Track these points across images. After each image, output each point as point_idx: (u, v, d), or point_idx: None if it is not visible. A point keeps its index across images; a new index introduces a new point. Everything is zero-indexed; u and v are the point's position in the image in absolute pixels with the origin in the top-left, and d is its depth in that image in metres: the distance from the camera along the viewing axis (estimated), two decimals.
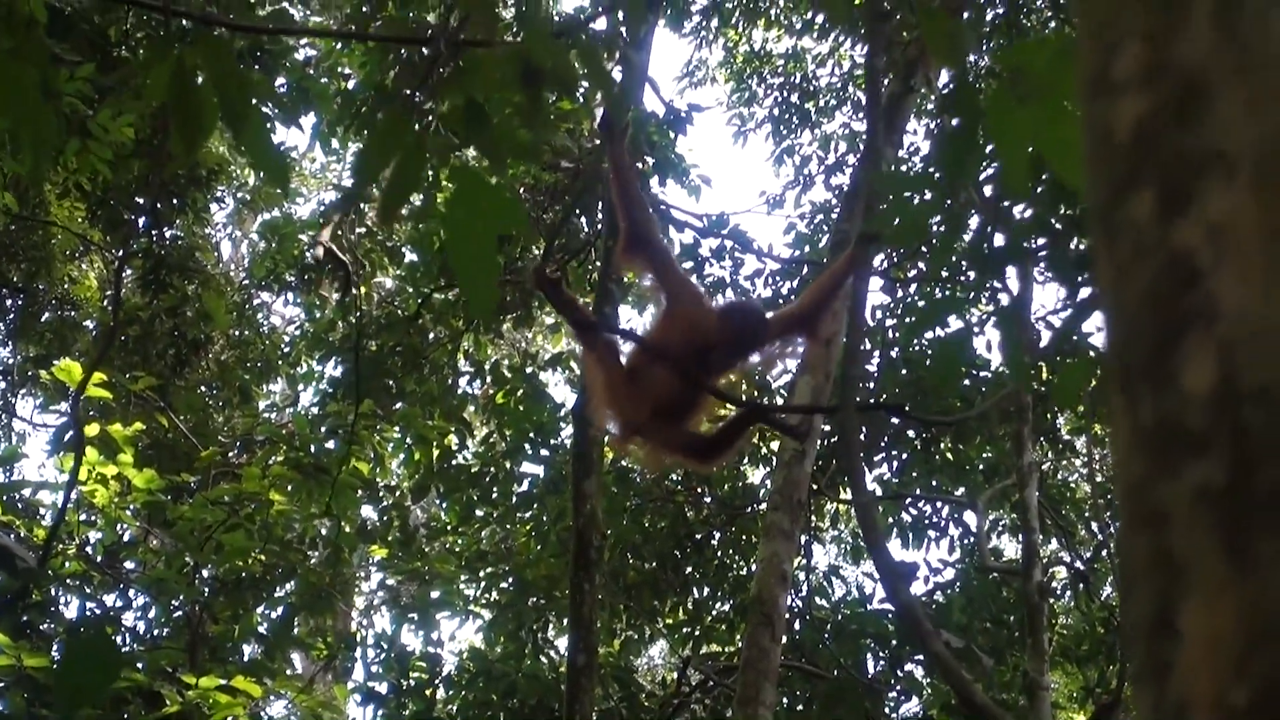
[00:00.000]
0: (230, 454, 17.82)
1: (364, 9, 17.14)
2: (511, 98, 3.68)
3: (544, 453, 16.99)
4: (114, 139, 12.85)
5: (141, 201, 17.73)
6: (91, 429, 12.95)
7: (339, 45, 18.01)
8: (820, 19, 19.05)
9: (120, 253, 16.31)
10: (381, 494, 16.88)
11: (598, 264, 14.62)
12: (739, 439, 7.17)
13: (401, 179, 3.59)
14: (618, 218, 7.20)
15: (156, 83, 3.87)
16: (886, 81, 15.88)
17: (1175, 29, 1.28)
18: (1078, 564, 17.52)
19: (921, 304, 17.95)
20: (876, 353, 17.40)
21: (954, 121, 3.60)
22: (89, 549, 13.38)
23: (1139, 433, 1.23)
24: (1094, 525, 18.01)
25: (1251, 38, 1.27)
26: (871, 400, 16.39)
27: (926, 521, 17.51)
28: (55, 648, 11.14)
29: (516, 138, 3.89)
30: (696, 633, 16.82)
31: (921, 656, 15.29)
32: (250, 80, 3.87)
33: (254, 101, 3.93)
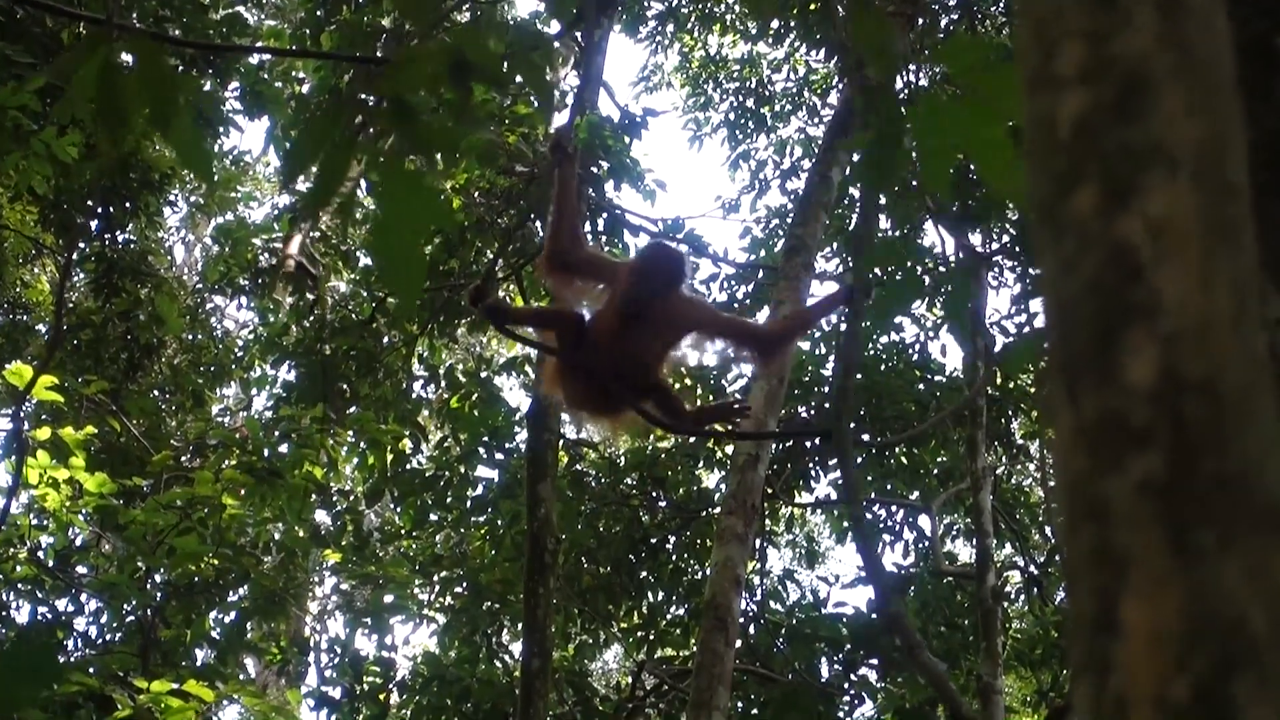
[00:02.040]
0: (183, 458, 17.75)
1: (319, 13, 17.11)
2: (441, 95, 3.68)
3: (499, 457, 16.97)
4: (58, 155, 12.84)
5: (93, 205, 17.66)
6: (43, 433, 12.89)
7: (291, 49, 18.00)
8: (775, 24, 19.05)
9: (68, 255, 16.26)
10: (335, 498, 16.83)
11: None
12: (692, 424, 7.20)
13: (326, 174, 3.58)
14: (545, 237, 7.20)
15: (84, 78, 3.86)
16: (841, 87, 15.90)
17: (1116, 26, 1.29)
18: (1031, 568, 17.60)
19: (881, 294, 18.05)
20: (831, 358, 17.44)
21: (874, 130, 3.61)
22: (40, 553, 13.31)
23: (1081, 427, 1.23)
24: (1048, 529, 18.09)
25: (1192, 35, 1.28)
26: (820, 405, 16.46)
27: (881, 525, 17.55)
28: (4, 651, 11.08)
29: (447, 135, 3.88)
30: (651, 637, 16.81)
31: (875, 661, 15.33)
32: (176, 77, 3.86)
33: (180, 99, 3.92)
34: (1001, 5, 16.69)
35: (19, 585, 12.44)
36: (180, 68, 16.26)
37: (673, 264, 6.73)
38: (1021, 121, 2.99)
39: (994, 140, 3.07)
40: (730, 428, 8.57)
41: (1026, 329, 16.42)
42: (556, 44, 17.52)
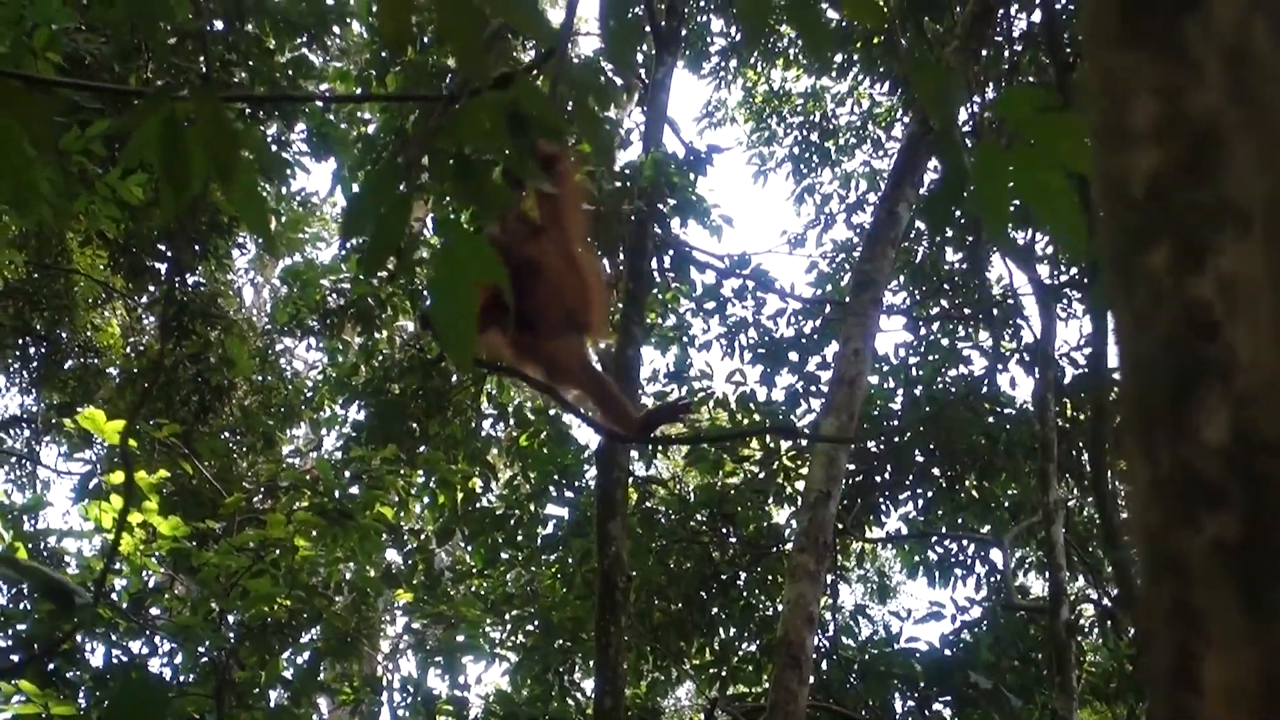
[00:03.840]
0: (255, 499, 17.83)
1: (384, 54, 17.20)
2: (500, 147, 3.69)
3: (568, 495, 16.98)
4: (123, 197, 12.94)
5: (164, 249, 17.79)
6: (116, 477, 12.97)
7: (359, 91, 18.09)
8: (840, 58, 19.04)
9: (166, 308, 16.37)
10: (406, 538, 16.86)
11: (619, 305, 14.62)
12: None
13: (384, 232, 3.60)
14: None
15: (146, 135, 3.89)
16: (906, 121, 15.89)
17: (1188, 82, 1.29)
18: (1105, 601, 17.44)
19: (945, 342, 18.02)
20: (900, 391, 17.42)
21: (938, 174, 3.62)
22: (115, 596, 13.39)
23: (1157, 482, 1.23)
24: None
25: (1261, 92, 1.28)
26: (890, 439, 16.46)
27: (952, 560, 17.49)
28: (82, 695, 11.15)
29: (504, 192, 3.90)
30: (723, 674, 16.76)
31: (949, 697, 15.24)
32: (237, 133, 3.89)
33: (242, 153, 3.94)
34: (1066, 37, 16.64)
35: (94, 628, 12.50)
36: (247, 111, 16.39)
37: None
38: (1079, 167, 2.98)
39: (1053, 187, 3.07)
40: (679, 425, 8.41)
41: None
42: (619, 81, 17.56)
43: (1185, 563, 1.19)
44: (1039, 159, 3.05)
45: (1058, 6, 15.19)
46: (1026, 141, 3.08)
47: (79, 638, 11.73)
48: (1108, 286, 1.34)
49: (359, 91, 18.16)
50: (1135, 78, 1.33)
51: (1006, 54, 16.26)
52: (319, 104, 18.38)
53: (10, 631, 10.53)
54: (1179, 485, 1.21)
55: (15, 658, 10.49)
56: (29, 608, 11.31)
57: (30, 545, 13.69)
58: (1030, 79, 15.99)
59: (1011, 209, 3.27)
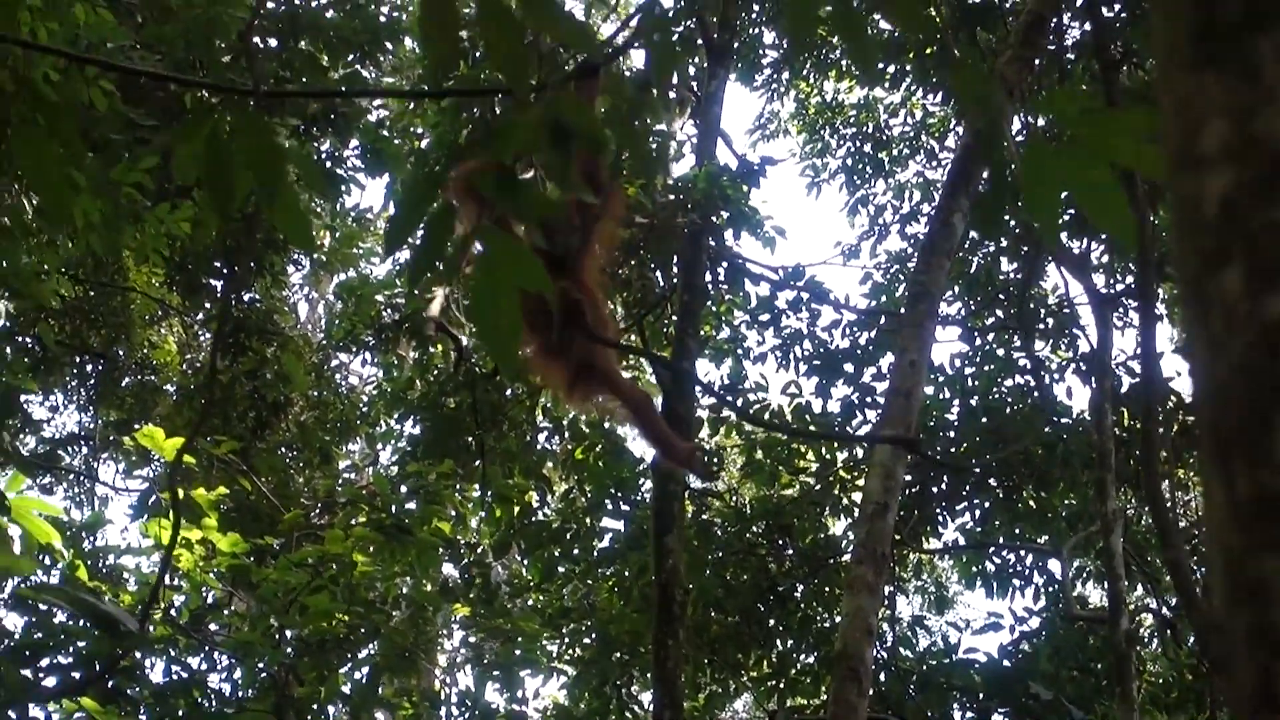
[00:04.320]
0: (312, 515, 17.90)
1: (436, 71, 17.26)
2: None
3: (625, 508, 16.99)
4: (172, 230, 13.04)
5: (219, 266, 17.88)
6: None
7: (411, 106, 18.15)
8: (892, 69, 19.01)
9: (201, 316, 16.46)
10: (463, 552, 16.90)
11: (674, 318, 14.64)
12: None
13: (429, 243, 3.61)
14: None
15: (189, 153, 3.92)
16: (959, 131, 15.84)
17: (1260, 103, 1.29)
18: (1165, 610, 17.35)
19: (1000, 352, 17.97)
20: (956, 401, 17.38)
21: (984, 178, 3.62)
22: (174, 613, 13.45)
23: (1234, 505, 1.23)
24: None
25: None
26: (947, 449, 16.42)
27: (1010, 571, 17.45)
28: (142, 713, 11.19)
29: (548, 201, 3.91)
30: (781, 686, 16.75)
31: (1009, 708, 15.19)
32: (281, 149, 3.91)
33: (287, 170, 3.97)
34: (1120, 44, 16.59)
35: (155, 645, 12.55)
36: (301, 127, 16.47)
37: None
38: (1128, 163, 2.98)
39: (1101, 183, 3.06)
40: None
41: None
42: (671, 94, 17.58)
43: (1265, 586, 1.19)
44: (1086, 156, 3.04)
45: (1108, 14, 15.15)
46: (1073, 140, 3.07)
47: (138, 655, 11.77)
48: (1181, 309, 1.34)
49: (410, 108, 18.23)
50: (1206, 99, 1.32)
51: (1060, 63, 16.21)
52: (372, 119, 18.44)
53: (71, 649, 10.57)
54: (1257, 508, 1.20)
55: (76, 675, 10.53)
56: (89, 625, 11.37)
57: (90, 563, 13.77)
58: (1084, 87, 15.92)
59: (1066, 217, 3.27)
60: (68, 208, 4.08)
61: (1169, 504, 17.60)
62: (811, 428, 17.30)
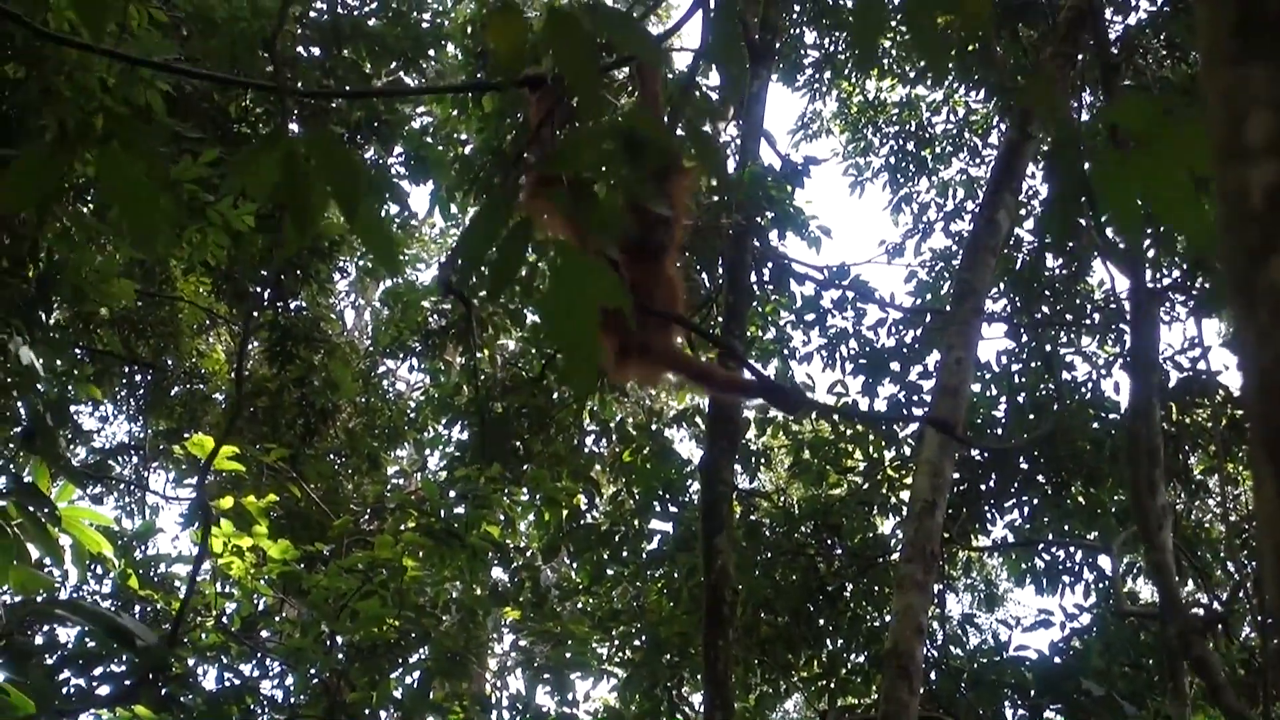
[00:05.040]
0: (362, 521, 17.95)
1: (479, 75, 17.31)
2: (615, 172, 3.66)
3: (673, 509, 16.97)
4: (234, 224, 13.04)
5: (266, 274, 17.95)
6: (226, 502, 13.10)
7: (455, 112, 18.17)
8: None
9: (245, 324, 16.52)
10: (512, 556, 16.92)
11: (719, 319, 14.64)
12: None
13: (505, 259, 3.59)
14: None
15: (264, 173, 3.91)
16: (1003, 127, 15.81)
17: None
18: (1216, 605, 17.27)
19: (1047, 349, 17.91)
20: (1003, 398, 17.34)
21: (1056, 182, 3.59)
22: (225, 620, 13.51)
23: None
24: (1230, 565, 17.76)
25: None
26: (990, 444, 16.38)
27: (1060, 567, 17.38)
28: None
29: (620, 215, 3.88)
30: (832, 686, 16.71)
31: (1061, 705, 15.14)
32: (360, 166, 3.90)
33: (363, 185, 3.95)
34: (1162, 38, 16.52)
35: (206, 652, 12.61)
36: (345, 135, 16.53)
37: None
38: (1203, 169, 2.97)
39: (1178, 186, 3.05)
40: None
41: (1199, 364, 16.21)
42: (715, 95, 17.58)
43: None
44: (1160, 162, 3.03)
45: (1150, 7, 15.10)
46: (1145, 146, 3.06)
47: (190, 662, 11.82)
48: (1229, 303, 1.34)
49: (454, 114, 18.27)
50: (1251, 92, 1.33)
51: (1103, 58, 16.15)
52: (415, 126, 18.50)
53: (124, 656, 10.62)
54: None
55: (128, 682, 10.58)
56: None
57: (140, 572, 13.84)
58: (1127, 82, 15.86)
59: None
60: (155, 229, 4.07)
61: (1220, 499, 17.55)
62: (859, 427, 17.29)
